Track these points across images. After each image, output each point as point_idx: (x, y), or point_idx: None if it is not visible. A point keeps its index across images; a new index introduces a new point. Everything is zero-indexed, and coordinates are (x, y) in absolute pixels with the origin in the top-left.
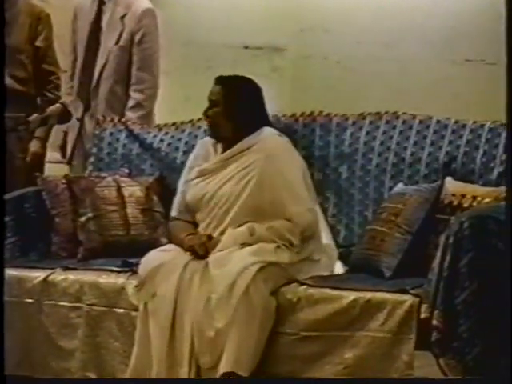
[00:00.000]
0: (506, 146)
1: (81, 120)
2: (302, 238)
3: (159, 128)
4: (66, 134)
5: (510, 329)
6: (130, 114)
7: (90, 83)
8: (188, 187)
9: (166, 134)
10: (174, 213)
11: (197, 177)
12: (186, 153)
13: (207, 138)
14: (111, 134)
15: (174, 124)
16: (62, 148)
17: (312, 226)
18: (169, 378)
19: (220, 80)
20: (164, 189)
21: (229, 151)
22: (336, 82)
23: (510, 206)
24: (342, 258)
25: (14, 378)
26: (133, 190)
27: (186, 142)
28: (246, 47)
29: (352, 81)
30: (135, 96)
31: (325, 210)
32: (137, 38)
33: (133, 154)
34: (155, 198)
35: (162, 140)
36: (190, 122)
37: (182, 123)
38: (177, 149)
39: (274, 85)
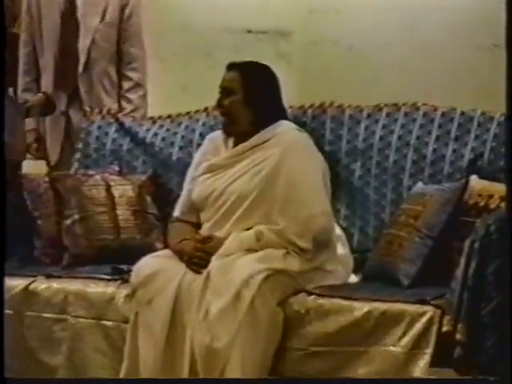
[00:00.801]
0: (505, 144)
1: (65, 113)
2: (315, 243)
3: (153, 121)
4: (35, 131)
5: (510, 328)
6: (131, 97)
7: (75, 69)
8: (194, 185)
9: (161, 127)
10: (176, 213)
11: (205, 172)
12: (183, 148)
13: (217, 133)
14: (99, 127)
15: (169, 116)
16: (36, 147)
17: (326, 231)
18: (169, 378)
19: (235, 66)
20: (158, 188)
21: (242, 145)
22: (349, 70)
23: (510, 206)
24: (356, 264)
25: (14, 381)
26: (123, 190)
27: (183, 137)
28: (249, 31)
29: (366, 68)
30: (132, 75)
31: (336, 212)
32: (126, 12)
33: (123, 150)
34: (148, 198)
35: (155, 134)
36: (188, 114)
37: (179, 115)
38: (172, 144)
39: (280, 73)
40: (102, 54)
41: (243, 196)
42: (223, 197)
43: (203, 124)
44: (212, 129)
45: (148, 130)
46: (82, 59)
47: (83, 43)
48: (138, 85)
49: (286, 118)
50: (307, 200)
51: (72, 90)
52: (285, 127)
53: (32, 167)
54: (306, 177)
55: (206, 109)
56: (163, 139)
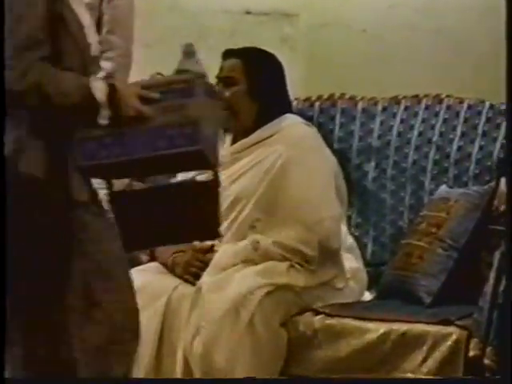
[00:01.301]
0: (505, 142)
1: None
2: (321, 252)
3: None
4: None
5: (510, 328)
6: None
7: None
8: None
9: None
10: None
11: (198, 174)
12: None
13: None
14: None
15: None
16: None
17: (333, 238)
18: (169, 378)
19: (235, 53)
20: None
21: (242, 142)
22: (361, 57)
23: (510, 206)
24: (370, 279)
25: (14, 381)
26: (103, 193)
27: None
28: (248, 12)
29: (382, 55)
30: (104, 65)
31: (347, 219)
32: None
33: None
34: None
35: None
36: None
37: None
38: None
39: (284, 60)
40: None
41: (243, 199)
42: (222, 198)
43: None
44: None
45: None
46: None
47: None
48: (109, 77)
49: (291, 111)
50: (314, 203)
51: None
52: (290, 121)
53: None
54: (313, 177)
55: None
56: None
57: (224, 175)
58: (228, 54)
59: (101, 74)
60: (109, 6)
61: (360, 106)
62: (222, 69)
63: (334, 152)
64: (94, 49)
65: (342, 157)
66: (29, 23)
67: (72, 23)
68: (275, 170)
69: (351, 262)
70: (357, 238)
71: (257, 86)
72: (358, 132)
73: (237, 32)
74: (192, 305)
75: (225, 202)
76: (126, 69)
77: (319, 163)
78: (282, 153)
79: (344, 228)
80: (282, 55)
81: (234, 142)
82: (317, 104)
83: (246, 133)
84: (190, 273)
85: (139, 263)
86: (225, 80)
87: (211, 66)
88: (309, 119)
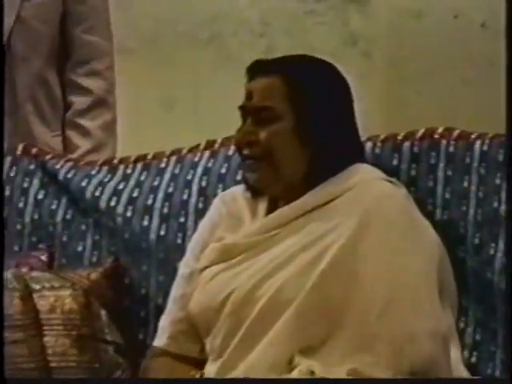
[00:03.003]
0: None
1: None
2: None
3: (111, 166)
4: None
5: (510, 327)
6: (87, 124)
7: None
8: (194, 285)
9: (127, 177)
10: (158, 340)
11: (215, 262)
12: (169, 217)
13: (235, 190)
14: (11, 180)
15: (140, 158)
16: None
17: (433, 365)
18: (170, 378)
19: (271, 67)
20: (122, 292)
21: (282, 210)
22: (481, 63)
23: (510, 207)
24: None
25: (14, 381)
26: (57, 298)
27: (169, 196)
28: None
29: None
30: (91, 84)
31: (459, 333)
32: None
33: (58, 222)
34: (103, 313)
35: (118, 191)
36: (177, 152)
37: (159, 156)
38: (149, 209)
39: (352, 74)
40: (32, 44)
41: (283, 305)
42: (249, 305)
43: (205, 172)
44: (222, 180)
45: (103, 183)
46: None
47: (6, 23)
48: (100, 102)
49: (363, 159)
50: (403, 309)
51: None
52: (363, 176)
53: None
54: (402, 268)
55: (211, 143)
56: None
57: (256, 265)
58: (259, 67)
59: (84, 101)
60: None
61: (478, 147)
62: (249, 93)
63: (437, 224)
64: None
65: (451, 232)
66: None
67: None
68: (338, 258)
69: None
70: (474, 367)
71: (309, 120)
72: (474, 191)
73: (272, 31)
74: None
75: (258, 309)
76: (113, 88)
77: (412, 244)
78: (353, 229)
79: (454, 350)
80: (350, 65)
81: (270, 210)
82: (406, 146)
83: (291, 196)
84: None
85: None
86: (257, 112)
87: (233, 85)
88: (394, 172)
